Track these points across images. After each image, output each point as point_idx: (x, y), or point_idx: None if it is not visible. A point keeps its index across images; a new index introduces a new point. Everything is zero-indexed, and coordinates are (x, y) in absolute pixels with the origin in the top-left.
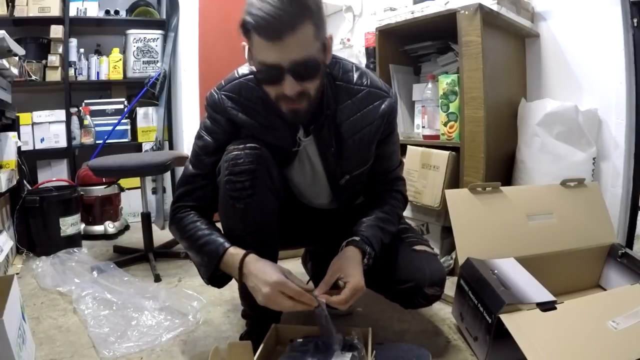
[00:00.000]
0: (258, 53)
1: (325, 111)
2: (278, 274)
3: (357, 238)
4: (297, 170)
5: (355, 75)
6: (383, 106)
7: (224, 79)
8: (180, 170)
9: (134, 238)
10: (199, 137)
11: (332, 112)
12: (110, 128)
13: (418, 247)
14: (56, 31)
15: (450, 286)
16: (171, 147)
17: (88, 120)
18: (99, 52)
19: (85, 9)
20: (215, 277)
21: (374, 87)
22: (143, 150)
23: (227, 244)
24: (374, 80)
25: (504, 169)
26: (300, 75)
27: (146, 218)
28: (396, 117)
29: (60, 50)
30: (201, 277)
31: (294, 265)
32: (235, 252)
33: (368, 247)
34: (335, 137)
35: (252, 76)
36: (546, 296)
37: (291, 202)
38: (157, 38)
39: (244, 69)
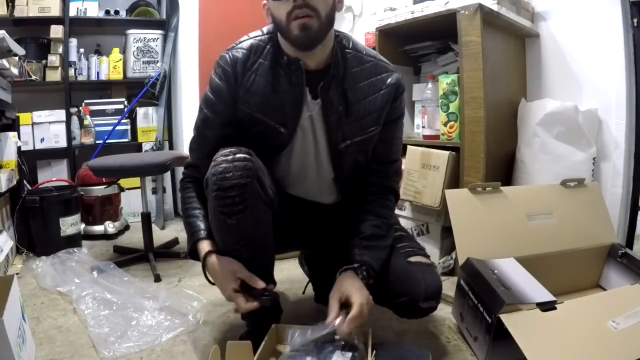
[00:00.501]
0: None
1: (333, 71)
2: (229, 289)
3: (355, 266)
4: (298, 147)
5: (365, 49)
6: (390, 79)
7: (234, 42)
8: (180, 170)
9: (134, 238)
10: (204, 100)
11: (340, 74)
12: (110, 128)
13: (413, 259)
14: (56, 31)
15: (450, 286)
16: (171, 147)
17: (88, 120)
18: (99, 52)
19: (85, 9)
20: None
21: (382, 61)
22: (143, 150)
23: (202, 233)
24: (381, 57)
25: (504, 169)
26: None
27: (146, 218)
28: (404, 98)
29: (60, 50)
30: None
31: (293, 266)
32: (201, 248)
33: (366, 272)
34: (342, 100)
35: (263, 37)
36: (546, 296)
37: (286, 202)
38: (157, 38)
39: (253, 33)
